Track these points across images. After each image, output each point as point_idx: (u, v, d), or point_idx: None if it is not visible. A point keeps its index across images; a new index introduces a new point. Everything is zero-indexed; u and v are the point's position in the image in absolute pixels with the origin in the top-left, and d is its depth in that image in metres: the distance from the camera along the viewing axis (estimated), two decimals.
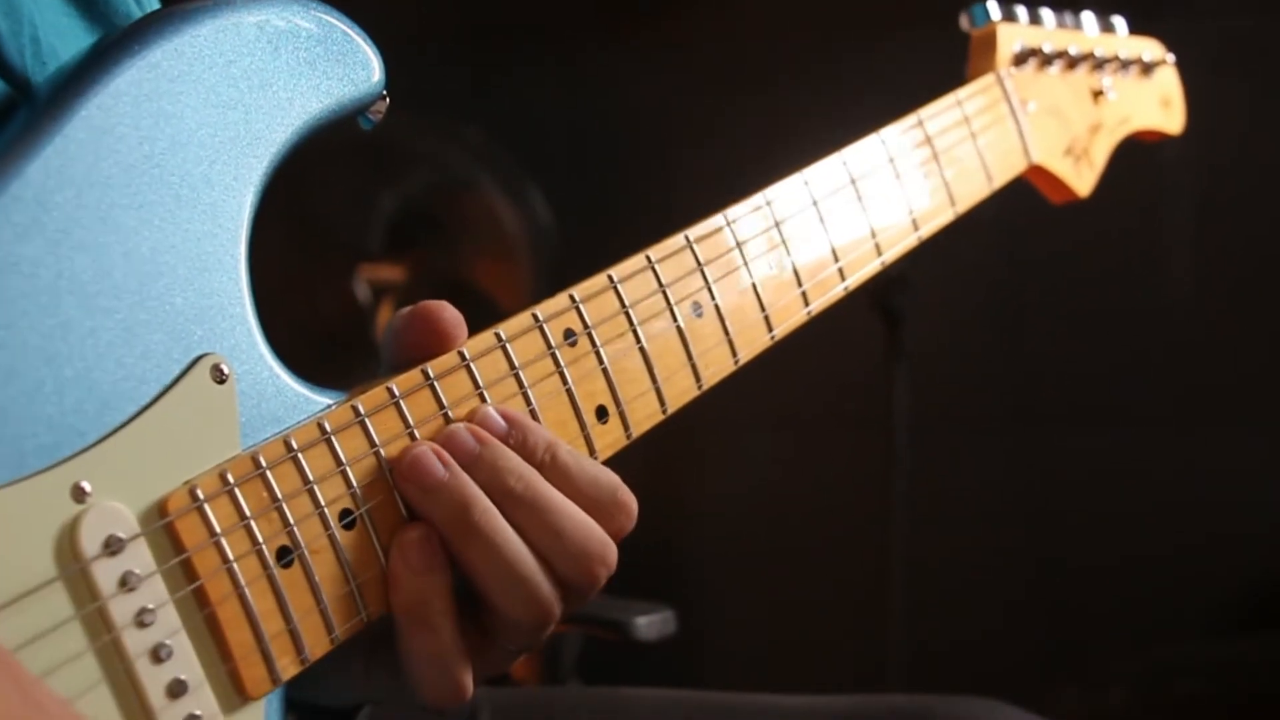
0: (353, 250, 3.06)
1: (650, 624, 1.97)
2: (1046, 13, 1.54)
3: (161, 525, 0.81)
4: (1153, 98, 1.64)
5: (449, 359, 0.95)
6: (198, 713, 0.81)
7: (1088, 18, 1.59)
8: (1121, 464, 3.27)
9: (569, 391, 1.01)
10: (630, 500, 0.96)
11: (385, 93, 0.98)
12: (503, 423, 0.94)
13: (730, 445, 3.25)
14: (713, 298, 1.10)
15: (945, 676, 2.56)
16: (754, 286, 1.14)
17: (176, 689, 0.80)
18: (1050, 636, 3.35)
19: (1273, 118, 3.16)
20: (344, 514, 0.89)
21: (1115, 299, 3.26)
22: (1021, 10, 1.52)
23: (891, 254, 1.27)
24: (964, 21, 1.51)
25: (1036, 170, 1.48)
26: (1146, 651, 3.18)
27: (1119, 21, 1.63)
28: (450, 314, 0.95)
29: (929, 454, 2.97)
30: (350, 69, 0.95)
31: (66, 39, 0.96)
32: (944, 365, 3.12)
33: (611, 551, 0.94)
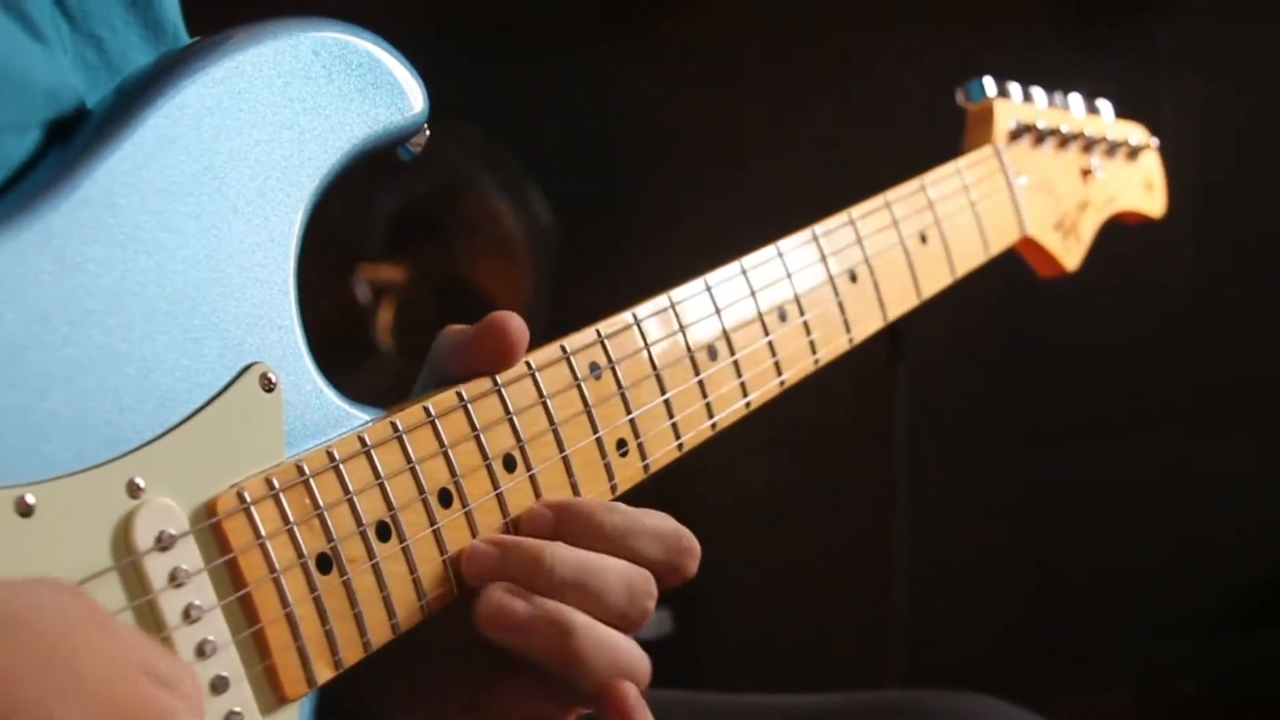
0: (353, 250, 3.05)
1: (646, 625, 1.97)
2: (1038, 91, 1.59)
3: (209, 525, 0.83)
4: (1137, 180, 1.70)
5: (482, 383, 0.98)
6: (238, 710, 0.82)
7: (1075, 99, 1.65)
8: (1121, 465, 3.28)
9: (593, 424, 1.03)
10: (692, 542, 1.00)
11: (426, 125, 1.01)
12: (550, 514, 0.97)
13: (730, 448, 3.24)
14: (728, 344, 1.14)
15: (945, 678, 2.56)
16: (766, 334, 1.17)
17: (219, 685, 0.82)
18: (1050, 637, 3.35)
19: (1271, 120, 3.20)
20: (380, 526, 0.91)
21: (1115, 306, 3.28)
22: (1015, 87, 1.56)
23: (895, 312, 1.30)
24: (959, 97, 1.55)
25: (1028, 242, 1.53)
26: (1146, 652, 3.19)
27: (1104, 104, 1.68)
28: (517, 324, 0.98)
29: (929, 458, 2.98)
30: (396, 99, 0.98)
31: None
32: (945, 372, 3.14)
33: (650, 582, 0.98)
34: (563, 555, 0.95)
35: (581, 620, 0.94)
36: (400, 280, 3.04)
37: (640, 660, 0.96)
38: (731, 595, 3.35)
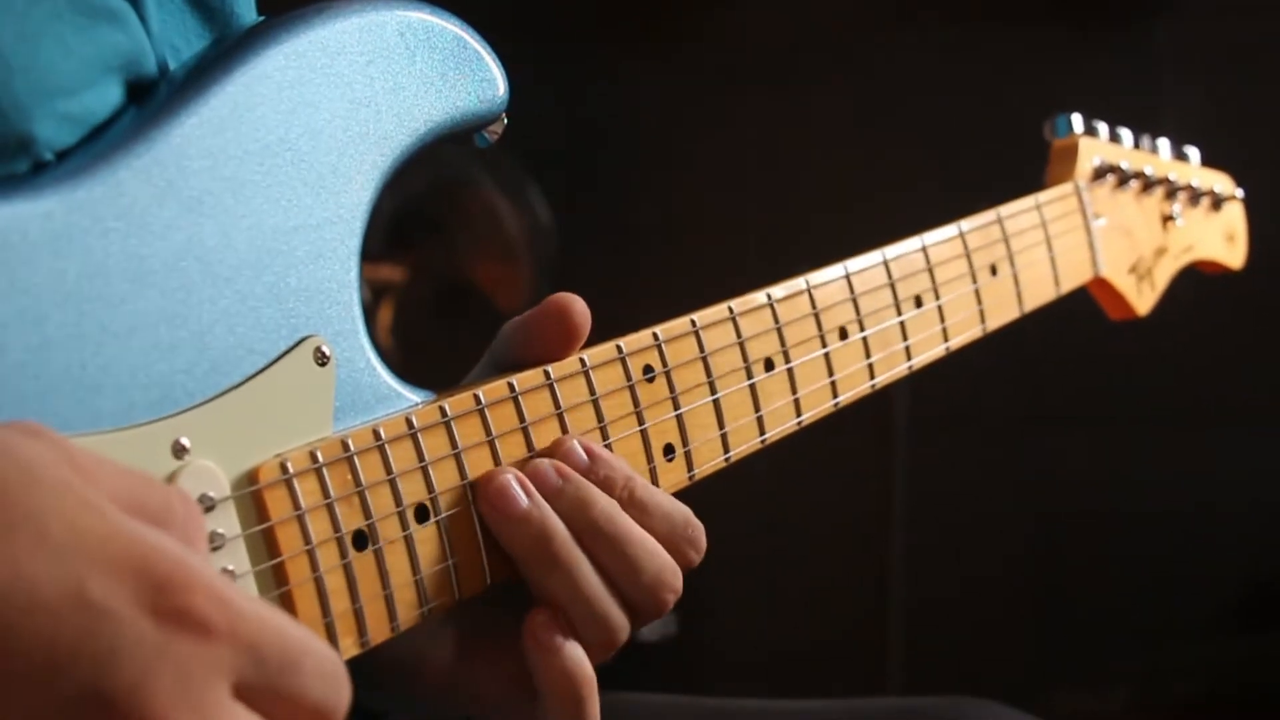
0: None
1: (651, 627, 1.97)
2: (1125, 132, 1.58)
3: (250, 492, 0.83)
4: (1219, 231, 1.68)
5: (534, 376, 0.98)
6: None
7: (1163, 143, 1.63)
8: (1121, 464, 3.26)
9: (642, 426, 1.03)
10: (700, 534, 1.00)
11: (505, 114, 1.02)
12: (585, 456, 0.97)
13: None
14: (786, 358, 1.13)
15: (945, 678, 2.55)
16: (825, 352, 1.16)
17: None
18: (1050, 637, 3.34)
19: (1271, 120, 3.16)
20: (419, 509, 0.91)
21: None
22: (1102, 126, 1.55)
23: (957, 341, 1.30)
24: (1046, 131, 1.54)
25: (1100, 283, 1.52)
26: (1146, 652, 3.18)
27: (1192, 151, 1.67)
28: (579, 307, 0.98)
29: (928, 454, 2.97)
30: (478, 85, 0.99)
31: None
32: (943, 365, 3.13)
33: (679, 579, 0.98)
34: (612, 513, 0.96)
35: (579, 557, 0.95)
36: (400, 280, 3.03)
37: (623, 629, 0.98)
38: (732, 598, 3.35)
